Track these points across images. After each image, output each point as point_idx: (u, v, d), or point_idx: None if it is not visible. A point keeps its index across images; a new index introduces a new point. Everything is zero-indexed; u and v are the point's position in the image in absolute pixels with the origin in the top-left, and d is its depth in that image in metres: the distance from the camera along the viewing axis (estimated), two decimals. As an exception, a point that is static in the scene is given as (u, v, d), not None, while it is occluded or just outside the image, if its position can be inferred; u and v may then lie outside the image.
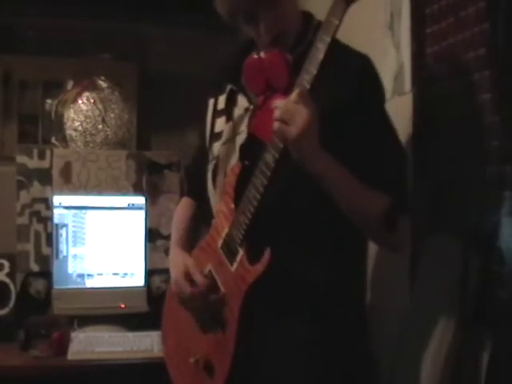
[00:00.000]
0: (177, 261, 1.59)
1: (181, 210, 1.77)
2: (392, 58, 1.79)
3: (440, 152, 1.57)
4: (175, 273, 1.55)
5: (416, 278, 1.56)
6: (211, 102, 1.64)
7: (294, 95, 1.27)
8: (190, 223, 1.73)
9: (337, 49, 1.29)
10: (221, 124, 1.58)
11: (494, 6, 1.35)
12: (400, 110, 1.68)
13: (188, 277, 1.50)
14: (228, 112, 1.56)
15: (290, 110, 1.26)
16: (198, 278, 1.49)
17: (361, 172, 1.35)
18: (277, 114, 1.28)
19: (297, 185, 1.38)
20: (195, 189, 1.74)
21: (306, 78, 1.26)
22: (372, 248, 1.69)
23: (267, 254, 1.33)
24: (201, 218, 1.72)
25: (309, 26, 1.47)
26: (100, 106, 2.90)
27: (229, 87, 1.57)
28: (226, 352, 1.41)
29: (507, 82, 1.31)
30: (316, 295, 1.40)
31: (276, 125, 1.28)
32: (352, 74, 1.40)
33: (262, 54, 1.48)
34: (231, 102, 1.56)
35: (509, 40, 1.30)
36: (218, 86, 1.62)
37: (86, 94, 2.89)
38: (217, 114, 1.61)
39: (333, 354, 1.40)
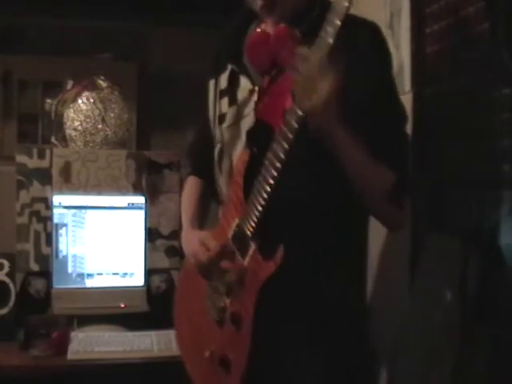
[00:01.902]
0: (191, 238, 1.56)
1: (188, 191, 1.74)
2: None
3: (440, 152, 1.57)
4: (192, 247, 1.53)
5: (416, 278, 1.56)
6: (212, 82, 1.60)
7: (314, 60, 1.21)
8: (198, 203, 1.70)
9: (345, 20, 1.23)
10: (224, 105, 1.54)
11: (493, 6, 1.35)
12: (400, 110, 1.68)
13: (204, 245, 1.47)
14: (231, 94, 1.53)
15: (312, 77, 1.21)
16: (212, 242, 1.46)
17: (369, 144, 1.31)
18: (298, 79, 1.23)
19: (308, 176, 1.36)
20: (200, 166, 1.70)
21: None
22: (372, 248, 1.69)
23: (280, 251, 1.31)
24: (209, 195, 1.68)
25: (314, 1, 1.42)
26: (100, 106, 2.90)
27: (230, 67, 1.53)
28: (241, 348, 1.39)
29: (507, 81, 1.31)
30: (322, 292, 1.39)
31: (298, 91, 1.23)
32: (360, 42, 1.36)
33: (268, 29, 1.44)
34: (233, 83, 1.52)
35: (509, 40, 1.30)
36: (218, 64, 1.58)
37: (86, 93, 2.88)
38: (220, 94, 1.57)
39: (335, 352, 1.39)
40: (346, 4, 1.19)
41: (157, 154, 2.74)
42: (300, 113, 1.25)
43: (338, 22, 1.19)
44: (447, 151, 1.54)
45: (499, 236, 1.30)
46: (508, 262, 1.27)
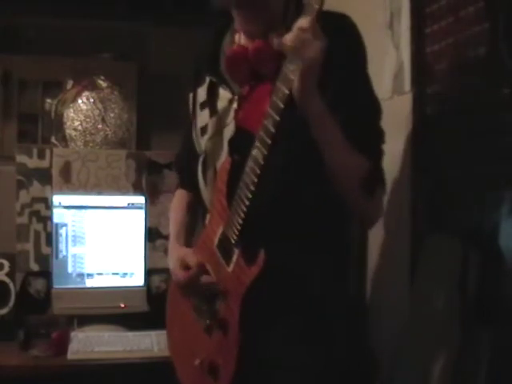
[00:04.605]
0: (173, 254, 1.59)
1: (176, 203, 1.75)
2: (392, 58, 1.79)
3: (440, 152, 1.57)
4: (172, 265, 1.56)
5: (416, 278, 1.56)
6: (190, 96, 1.62)
7: (305, 22, 1.22)
8: (185, 215, 1.71)
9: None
10: (204, 117, 1.55)
11: (493, 6, 1.35)
12: (400, 110, 1.68)
13: (183, 264, 1.50)
14: (211, 105, 1.54)
15: (306, 34, 1.21)
16: (191, 259, 1.49)
17: (344, 131, 1.32)
18: (294, 32, 1.23)
19: (289, 180, 1.36)
20: (188, 179, 1.70)
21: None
22: (372, 248, 1.69)
23: (261, 255, 1.32)
24: (197, 207, 1.69)
25: (288, 2, 1.43)
26: (100, 106, 2.90)
27: (208, 79, 1.55)
28: (230, 354, 1.40)
29: (507, 81, 1.31)
30: (311, 292, 1.39)
31: (292, 41, 1.23)
32: (331, 35, 1.33)
33: (245, 44, 1.46)
34: (213, 94, 1.53)
35: (509, 40, 1.30)
36: (196, 77, 1.59)
37: (86, 93, 2.89)
38: (200, 106, 1.58)
39: (332, 351, 1.39)
40: (317, 6, 1.20)
41: (157, 154, 2.74)
42: (280, 105, 1.24)
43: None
44: (447, 151, 1.54)
45: (499, 236, 1.30)
46: (508, 261, 1.27)
